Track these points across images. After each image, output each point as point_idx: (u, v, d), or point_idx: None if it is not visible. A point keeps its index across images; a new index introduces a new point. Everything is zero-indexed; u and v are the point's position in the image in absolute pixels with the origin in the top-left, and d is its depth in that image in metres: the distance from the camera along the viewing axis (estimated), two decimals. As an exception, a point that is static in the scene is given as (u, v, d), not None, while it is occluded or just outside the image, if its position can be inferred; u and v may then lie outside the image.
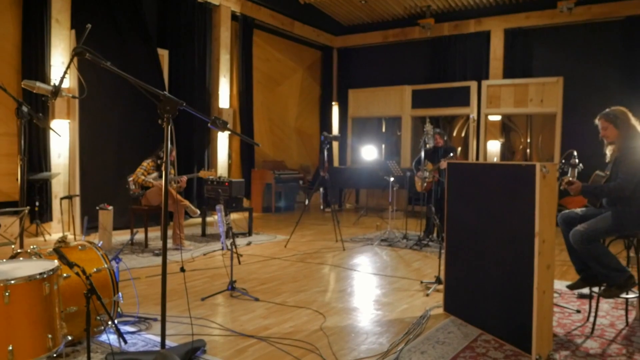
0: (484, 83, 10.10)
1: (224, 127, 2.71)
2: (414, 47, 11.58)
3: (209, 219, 7.66)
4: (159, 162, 6.16)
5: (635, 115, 3.72)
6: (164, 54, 8.39)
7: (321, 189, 10.96)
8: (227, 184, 7.04)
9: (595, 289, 3.64)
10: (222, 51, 9.55)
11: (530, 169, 2.94)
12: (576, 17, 9.58)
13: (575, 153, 3.74)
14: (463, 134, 10.92)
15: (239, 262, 5.25)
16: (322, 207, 10.96)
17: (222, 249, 5.47)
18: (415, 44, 11.54)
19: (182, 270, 3.01)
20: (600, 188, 3.51)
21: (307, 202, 11.09)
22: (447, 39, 11.00)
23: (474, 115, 9.54)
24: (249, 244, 6.61)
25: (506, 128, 10.64)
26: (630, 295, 3.60)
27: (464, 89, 10.27)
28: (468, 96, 10.19)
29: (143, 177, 6.09)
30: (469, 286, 3.62)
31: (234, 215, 7.73)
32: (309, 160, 12.04)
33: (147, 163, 6.15)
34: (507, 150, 10.71)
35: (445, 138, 7.08)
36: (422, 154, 6.68)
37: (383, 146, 11.88)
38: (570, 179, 3.52)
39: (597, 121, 3.71)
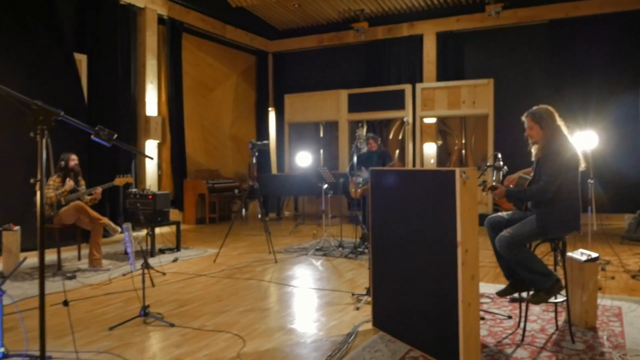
0: (418, 86, 10.11)
1: (109, 138, 2.39)
2: (349, 51, 11.50)
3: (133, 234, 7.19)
4: (62, 174, 5.69)
5: (561, 114, 3.66)
6: (81, 59, 7.86)
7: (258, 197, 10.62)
8: (150, 196, 6.62)
9: (525, 294, 3.53)
10: (148, 56, 9.10)
11: (449, 174, 2.78)
12: (504, 21, 9.76)
13: (499, 155, 3.63)
14: (400, 137, 10.89)
15: (152, 284, 4.87)
16: (259, 216, 10.63)
17: (131, 271, 5.07)
18: (350, 47, 11.46)
19: (65, 304, 2.63)
20: (523, 192, 3.40)
21: (243, 211, 10.79)
22: (381, 43, 10.97)
23: (407, 118, 9.51)
24: (175, 260, 6.22)
25: (442, 130, 10.69)
26: (559, 299, 3.50)
27: (399, 92, 10.24)
28: (403, 99, 10.16)
29: (55, 193, 5.59)
30: (396, 299, 3.43)
31: (161, 230, 7.30)
32: (246, 168, 11.70)
33: (52, 180, 5.66)
34: (443, 152, 10.76)
35: (379, 142, 6.95)
36: (355, 159, 6.52)
37: (321, 151, 11.71)
38: (494, 183, 3.40)
39: (523, 118, 3.61)
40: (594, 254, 3.61)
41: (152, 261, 5.80)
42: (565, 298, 3.44)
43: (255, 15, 11.46)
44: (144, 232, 6.86)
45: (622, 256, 6.11)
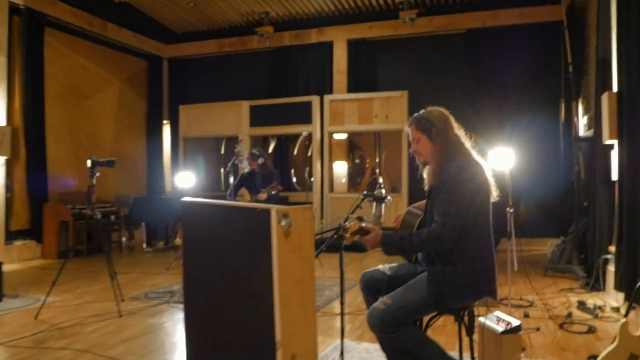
0: (327, 98, 9.02)
1: None
2: (252, 58, 10.28)
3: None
4: None
5: (476, 130, 2.55)
6: None
7: (143, 224, 9.11)
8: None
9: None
10: (-5, 53, 7.43)
11: (263, 215, 1.54)
12: (419, 29, 8.92)
13: (381, 181, 2.48)
14: (309, 154, 9.71)
15: None
16: (144, 245, 9.09)
17: None
18: (254, 54, 10.25)
19: None
20: (408, 238, 2.18)
21: (124, 240, 9.28)
22: (287, 50, 9.83)
23: (307, 132, 8.38)
24: (-18, 316, 4.64)
25: (353, 147, 9.65)
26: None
27: (305, 104, 9.11)
28: (310, 112, 9.03)
29: None
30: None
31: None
32: (133, 189, 10.12)
33: None
34: (357, 172, 9.71)
35: (261, 161, 5.68)
36: (232, 180, 5.26)
37: (222, 170, 10.35)
38: (364, 225, 2.17)
39: (406, 128, 2.47)
40: (516, 321, 2.50)
41: None
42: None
43: (147, 14, 10.04)
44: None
45: (547, 294, 5.15)
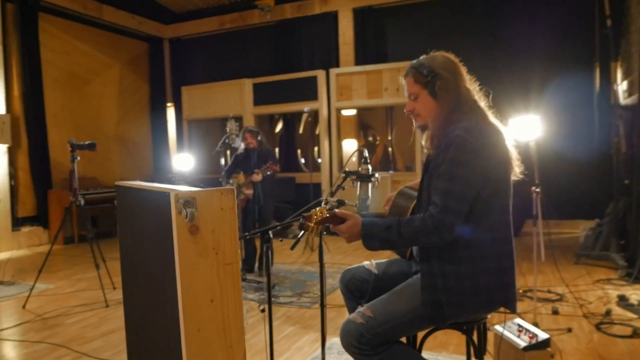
0: (332, 72, 8.48)
1: None
2: (254, 34, 9.79)
3: None
4: None
5: (501, 100, 2.04)
6: None
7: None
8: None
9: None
10: (-12, 41, 7.15)
11: (163, 199, 1.10)
12: (431, -8, 8.24)
13: (366, 154, 2.01)
14: (317, 132, 9.22)
15: None
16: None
17: None
18: (255, 30, 9.75)
19: None
20: (396, 227, 1.65)
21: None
22: (290, 23, 9.31)
23: (308, 109, 7.86)
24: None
25: (364, 124, 9.13)
26: None
27: (311, 79, 8.61)
28: (316, 88, 8.52)
29: None
30: None
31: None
32: (139, 174, 9.81)
33: None
34: (368, 150, 9.18)
35: (260, 138, 5.25)
36: (222, 162, 4.85)
37: (228, 152, 9.94)
38: (337, 211, 1.70)
39: (402, 80, 1.97)
40: (543, 335, 2.01)
41: None
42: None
43: (142, -6, 9.63)
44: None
45: (580, 286, 4.53)
